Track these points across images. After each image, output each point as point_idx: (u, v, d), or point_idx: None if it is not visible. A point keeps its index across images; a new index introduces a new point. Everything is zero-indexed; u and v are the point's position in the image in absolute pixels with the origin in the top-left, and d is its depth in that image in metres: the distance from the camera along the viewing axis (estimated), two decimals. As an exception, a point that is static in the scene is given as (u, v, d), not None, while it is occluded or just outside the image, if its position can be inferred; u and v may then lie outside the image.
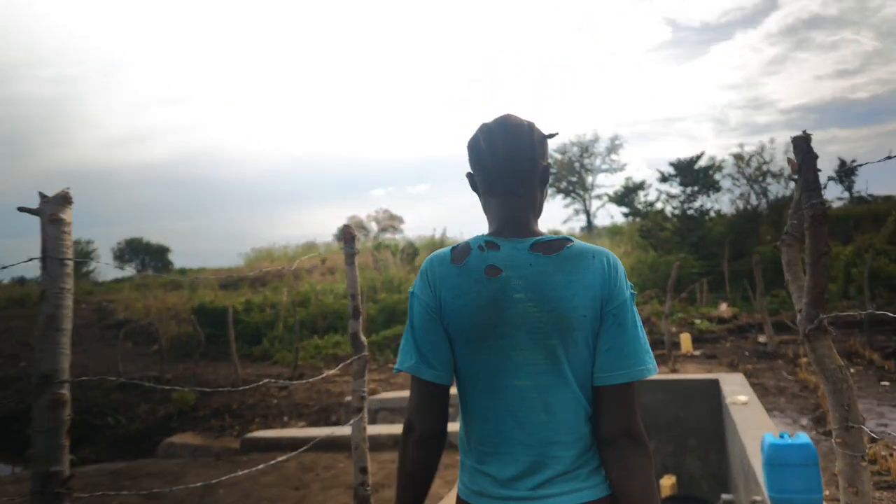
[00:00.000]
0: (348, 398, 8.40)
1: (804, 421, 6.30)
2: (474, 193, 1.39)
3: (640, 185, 20.48)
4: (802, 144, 1.75)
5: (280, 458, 2.86)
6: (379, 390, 8.11)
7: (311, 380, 2.88)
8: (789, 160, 2.06)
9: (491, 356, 1.21)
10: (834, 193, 23.91)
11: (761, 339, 11.47)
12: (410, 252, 23.77)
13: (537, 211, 1.33)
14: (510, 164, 1.27)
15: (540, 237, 1.25)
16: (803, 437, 3.35)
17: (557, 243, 1.23)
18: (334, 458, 5.74)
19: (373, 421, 7.91)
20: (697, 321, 12.41)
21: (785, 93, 48.52)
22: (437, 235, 25.37)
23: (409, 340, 1.27)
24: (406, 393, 8.20)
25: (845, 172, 27.20)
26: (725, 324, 12.67)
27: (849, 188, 26.68)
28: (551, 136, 1.33)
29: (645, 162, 60.14)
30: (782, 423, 6.15)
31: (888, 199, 21.33)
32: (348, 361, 2.49)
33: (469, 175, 1.37)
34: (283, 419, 9.72)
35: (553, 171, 43.64)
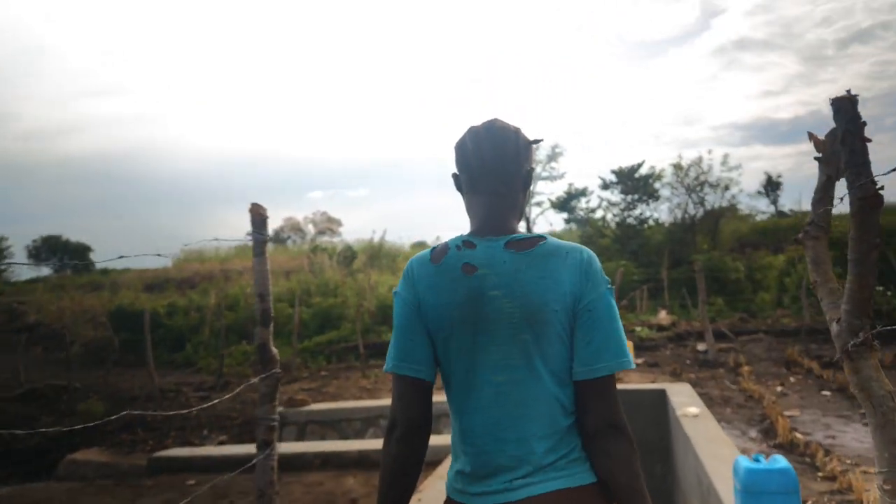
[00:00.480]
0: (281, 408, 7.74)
1: (753, 433, 6.09)
2: (458, 194, 1.41)
3: (583, 192, 20.48)
4: (847, 106, 1.34)
5: (190, 497, 2.31)
6: (308, 401, 7.51)
7: (216, 400, 2.33)
8: (811, 136, 1.67)
9: (468, 352, 1.22)
10: (760, 207, 24.97)
11: (700, 346, 11.44)
12: (348, 255, 23.03)
13: (518, 212, 1.35)
14: (495, 165, 1.30)
15: (514, 235, 1.27)
16: (781, 461, 3.00)
17: (531, 241, 1.25)
18: (253, 481, 5.14)
19: (301, 436, 7.30)
20: (638, 328, 12.31)
21: (715, 110, 50.45)
22: (376, 239, 24.73)
23: (394, 340, 1.28)
24: (339, 405, 7.64)
25: (771, 186, 28.67)
26: (665, 331, 12.63)
27: (774, 202, 28.14)
28: (536, 142, 1.37)
29: (584, 172, 61.25)
30: (731, 435, 5.91)
31: (806, 213, 22.26)
32: (252, 381, 1.97)
33: (454, 175, 1.39)
34: (203, 433, 8.95)
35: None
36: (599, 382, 1.19)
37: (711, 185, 17.04)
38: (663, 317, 13.69)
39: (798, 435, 5.70)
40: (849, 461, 4.96)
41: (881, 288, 11.14)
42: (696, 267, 10.08)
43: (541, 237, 1.25)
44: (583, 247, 1.25)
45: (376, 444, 5.36)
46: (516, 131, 1.33)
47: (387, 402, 7.52)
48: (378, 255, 23.60)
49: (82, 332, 16.84)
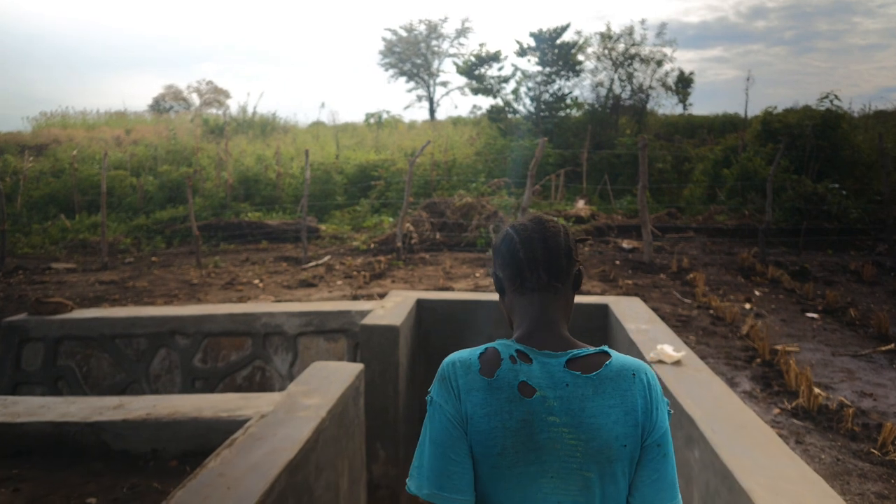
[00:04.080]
0: (19, 315, 4.92)
1: (744, 381, 4.02)
2: (499, 294, 1.27)
3: (495, 56, 17.46)
4: None
5: None
6: (69, 306, 4.81)
7: None
8: None
9: (518, 483, 1.08)
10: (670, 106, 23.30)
11: (625, 244, 9.52)
12: (222, 124, 19.27)
13: (568, 314, 1.20)
14: (546, 258, 1.17)
15: (575, 351, 1.11)
16: None
17: (595, 359, 1.10)
18: None
19: (50, 360, 4.59)
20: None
21: (626, 8, 48.64)
22: (251, 105, 21.13)
23: (429, 458, 1.08)
24: (116, 312, 4.94)
25: (683, 83, 27.66)
26: (583, 224, 10.62)
27: (684, 100, 27.40)
28: (582, 240, 1.32)
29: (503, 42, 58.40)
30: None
31: (706, 117, 21.94)
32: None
33: (495, 276, 1.26)
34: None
35: (397, 50, 39.74)
36: None
37: (643, 60, 14.73)
38: (581, 207, 11.66)
39: (818, 391, 3.67)
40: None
41: (836, 185, 9.46)
42: (640, 143, 7.83)
43: (605, 353, 1.10)
44: (645, 365, 1.11)
45: (103, 405, 2.74)
46: (564, 226, 1.22)
47: (201, 310, 4.91)
48: (252, 123, 20.00)
49: None
